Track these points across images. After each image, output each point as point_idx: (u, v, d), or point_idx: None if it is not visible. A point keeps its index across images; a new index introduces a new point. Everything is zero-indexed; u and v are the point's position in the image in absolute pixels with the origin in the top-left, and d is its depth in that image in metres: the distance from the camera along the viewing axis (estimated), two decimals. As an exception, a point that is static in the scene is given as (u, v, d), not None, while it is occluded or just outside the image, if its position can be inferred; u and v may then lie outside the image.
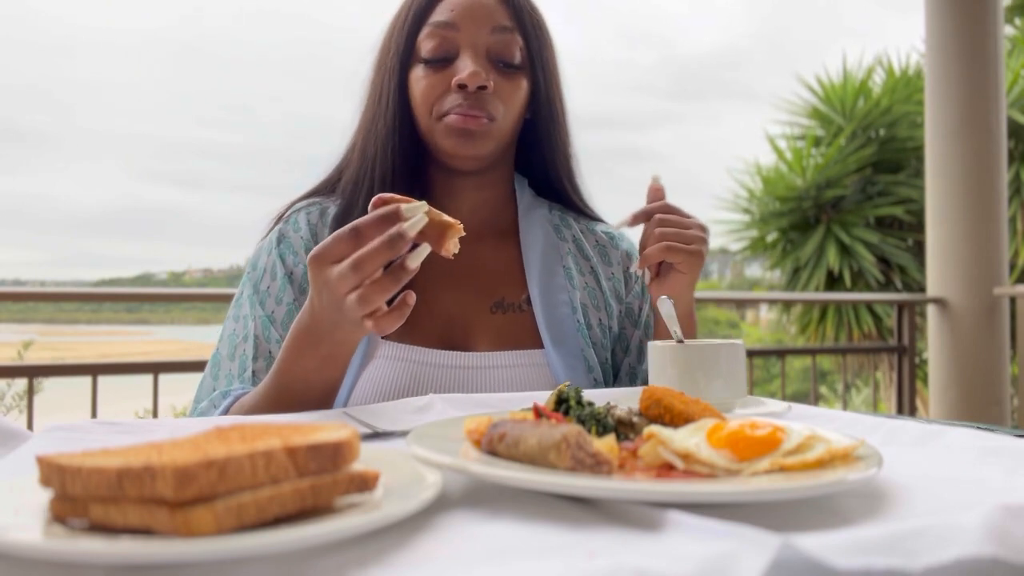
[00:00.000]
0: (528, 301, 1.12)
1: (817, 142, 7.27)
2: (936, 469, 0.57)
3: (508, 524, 0.44)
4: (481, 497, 0.49)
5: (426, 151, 1.13)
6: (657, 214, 1.05)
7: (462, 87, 1.05)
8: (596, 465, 0.49)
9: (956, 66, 3.71)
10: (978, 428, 0.72)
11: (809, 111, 7.38)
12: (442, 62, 1.08)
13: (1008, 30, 6.73)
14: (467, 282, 1.12)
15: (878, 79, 7.29)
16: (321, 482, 0.43)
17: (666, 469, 0.51)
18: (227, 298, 2.86)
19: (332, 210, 1.14)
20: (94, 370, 2.59)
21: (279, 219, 1.15)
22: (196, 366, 2.69)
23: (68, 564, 0.37)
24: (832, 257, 6.64)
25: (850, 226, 6.74)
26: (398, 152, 1.10)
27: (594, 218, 1.26)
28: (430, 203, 1.12)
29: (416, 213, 0.78)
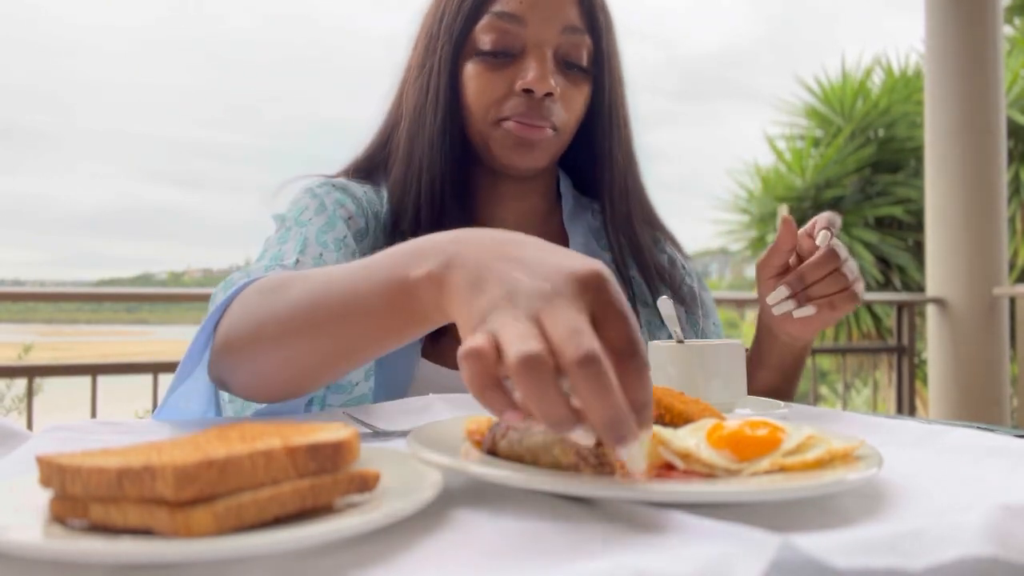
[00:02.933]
0: None
1: (816, 142, 7.28)
2: (936, 469, 0.57)
3: (508, 524, 0.44)
4: (481, 497, 0.49)
5: (473, 153, 1.04)
6: (812, 270, 0.89)
7: (527, 92, 0.97)
8: (599, 465, 0.49)
9: (956, 66, 3.71)
10: (978, 428, 0.72)
11: (808, 111, 7.39)
12: (503, 58, 0.98)
13: (1008, 30, 6.73)
14: None
15: (877, 79, 7.29)
16: (321, 482, 0.43)
17: (666, 469, 0.51)
18: (227, 298, 2.85)
19: (384, 194, 1.05)
20: (94, 370, 2.59)
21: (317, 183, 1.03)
22: (196, 366, 2.69)
23: (68, 564, 0.37)
24: (832, 257, 6.63)
25: (849, 226, 6.75)
26: (449, 156, 1.01)
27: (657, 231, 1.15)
28: (474, 211, 1.05)
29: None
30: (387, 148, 1.09)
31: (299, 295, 0.66)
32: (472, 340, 0.44)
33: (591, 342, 0.43)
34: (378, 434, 0.71)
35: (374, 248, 1.00)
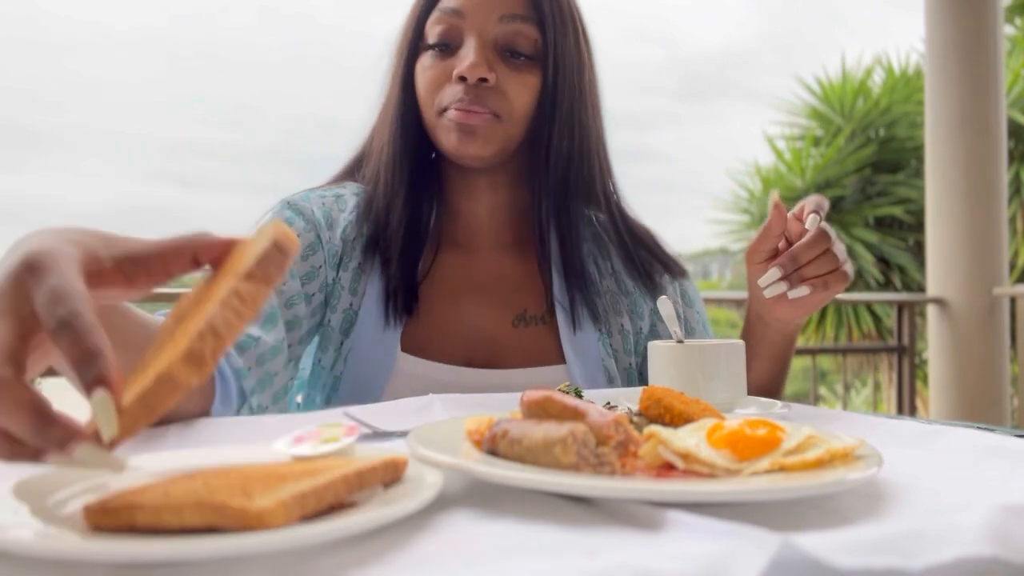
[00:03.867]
0: (550, 312, 1.08)
1: (816, 142, 7.28)
2: (936, 469, 0.57)
3: (508, 524, 0.44)
4: (481, 497, 0.49)
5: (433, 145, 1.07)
6: (804, 250, 0.89)
7: (462, 79, 0.99)
8: (599, 465, 0.49)
9: (956, 66, 3.71)
10: (978, 428, 0.72)
11: (808, 111, 7.39)
12: (446, 49, 1.02)
13: (1008, 30, 6.73)
14: (490, 294, 1.08)
15: (877, 79, 7.29)
16: (366, 469, 0.45)
17: (666, 469, 0.51)
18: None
19: (348, 197, 1.09)
20: (94, 370, 2.58)
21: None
22: (196, 366, 2.69)
23: (68, 564, 0.37)
24: (832, 257, 6.63)
25: (849, 226, 6.75)
26: (401, 143, 1.05)
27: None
28: (446, 204, 1.08)
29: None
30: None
31: None
32: None
33: None
34: (378, 434, 0.71)
35: (342, 263, 1.04)
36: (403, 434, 0.69)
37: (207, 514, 0.39)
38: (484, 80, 0.99)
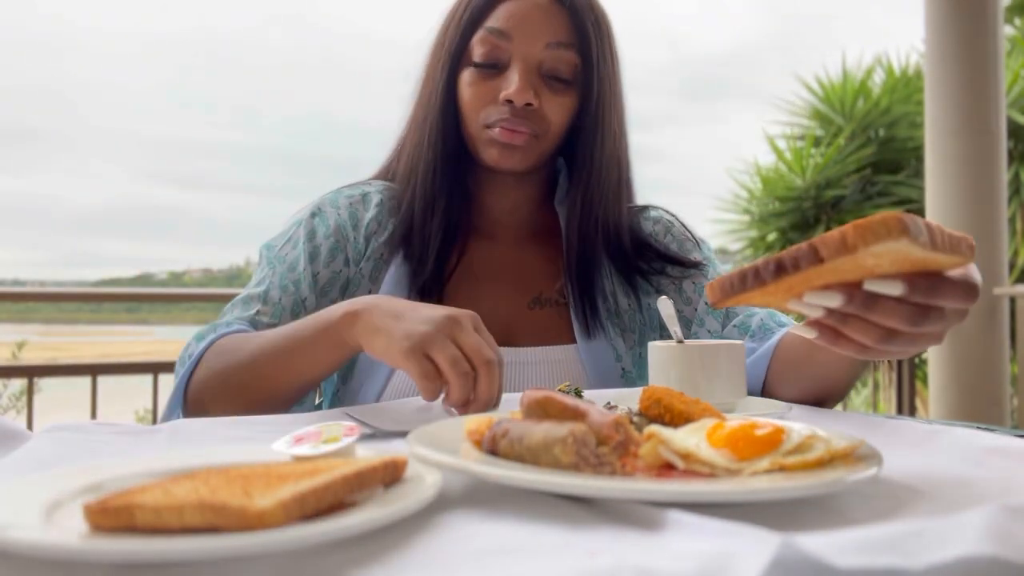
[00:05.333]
0: (563, 293, 1.13)
1: (817, 142, 7.27)
2: (936, 469, 0.57)
3: (508, 524, 0.44)
4: (481, 497, 0.49)
5: (468, 151, 1.14)
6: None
7: (508, 102, 1.06)
8: (599, 465, 0.49)
9: (956, 66, 3.71)
10: (978, 428, 0.72)
11: (809, 111, 7.38)
12: (492, 69, 1.08)
13: (1008, 30, 6.73)
14: (508, 280, 1.14)
15: (878, 79, 7.29)
16: (366, 470, 0.45)
17: (666, 469, 0.51)
18: (227, 298, 2.86)
19: (373, 195, 1.16)
20: (94, 370, 2.59)
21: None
22: (196, 366, 2.69)
23: (68, 564, 0.37)
24: (832, 257, 6.62)
25: (850, 226, 6.74)
26: (441, 152, 1.11)
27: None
28: (474, 199, 1.17)
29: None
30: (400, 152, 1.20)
31: (253, 349, 0.93)
32: (420, 364, 0.77)
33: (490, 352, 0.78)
34: (378, 434, 0.71)
35: (366, 255, 1.12)
36: (403, 434, 0.69)
37: (207, 514, 0.39)
38: (529, 105, 1.06)
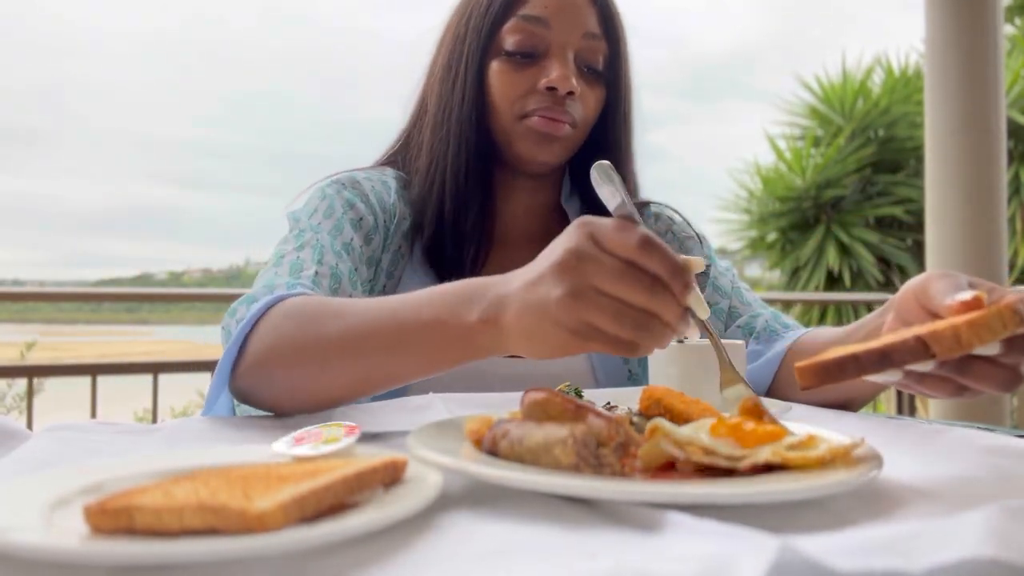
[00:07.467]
0: None
1: (817, 142, 7.28)
2: (936, 469, 0.57)
3: (508, 524, 0.44)
4: (481, 497, 0.49)
5: (494, 149, 1.10)
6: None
7: (551, 89, 1.03)
8: (599, 466, 0.49)
9: (956, 66, 3.71)
10: (978, 428, 0.72)
11: (809, 111, 7.39)
12: (527, 58, 1.05)
13: (1008, 30, 6.73)
14: None
15: (877, 79, 7.29)
16: (365, 471, 0.45)
17: (666, 470, 0.51)
18: (227, 298, 2.86)
19: (390, 182, 1.11)
20: (94, 370, 2.59)
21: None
22: (196, 366, 2.68)
23: (68, 565, 0.37)
24: (832, 257, 6.64)
25: (849, 226, 6.75)
26: (473, 149, 1.07)
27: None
28: (490, 206, 1.13)
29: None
30: (408, 147, 1.16)
31: (345, 326, 0.74)
32: (590, 343, 0.58)
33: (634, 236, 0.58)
34: (378, 434, 0.71)
35: (386, 246, 1.06)
36: (403, 434, 0.69)
37: (207, 516, 0.39)
38: (571, 93, 1.03)
